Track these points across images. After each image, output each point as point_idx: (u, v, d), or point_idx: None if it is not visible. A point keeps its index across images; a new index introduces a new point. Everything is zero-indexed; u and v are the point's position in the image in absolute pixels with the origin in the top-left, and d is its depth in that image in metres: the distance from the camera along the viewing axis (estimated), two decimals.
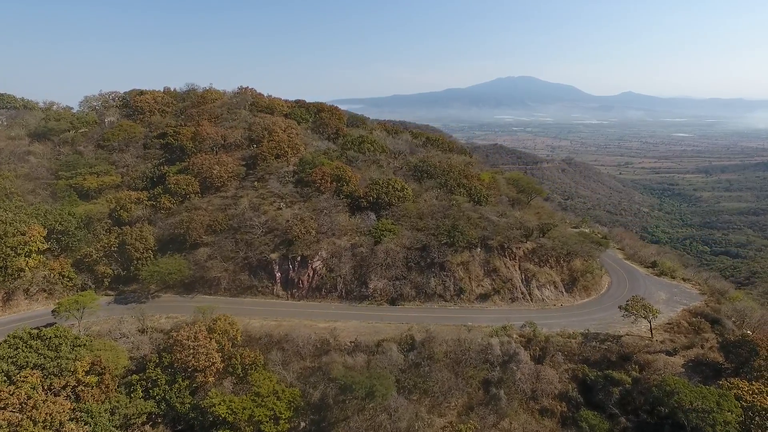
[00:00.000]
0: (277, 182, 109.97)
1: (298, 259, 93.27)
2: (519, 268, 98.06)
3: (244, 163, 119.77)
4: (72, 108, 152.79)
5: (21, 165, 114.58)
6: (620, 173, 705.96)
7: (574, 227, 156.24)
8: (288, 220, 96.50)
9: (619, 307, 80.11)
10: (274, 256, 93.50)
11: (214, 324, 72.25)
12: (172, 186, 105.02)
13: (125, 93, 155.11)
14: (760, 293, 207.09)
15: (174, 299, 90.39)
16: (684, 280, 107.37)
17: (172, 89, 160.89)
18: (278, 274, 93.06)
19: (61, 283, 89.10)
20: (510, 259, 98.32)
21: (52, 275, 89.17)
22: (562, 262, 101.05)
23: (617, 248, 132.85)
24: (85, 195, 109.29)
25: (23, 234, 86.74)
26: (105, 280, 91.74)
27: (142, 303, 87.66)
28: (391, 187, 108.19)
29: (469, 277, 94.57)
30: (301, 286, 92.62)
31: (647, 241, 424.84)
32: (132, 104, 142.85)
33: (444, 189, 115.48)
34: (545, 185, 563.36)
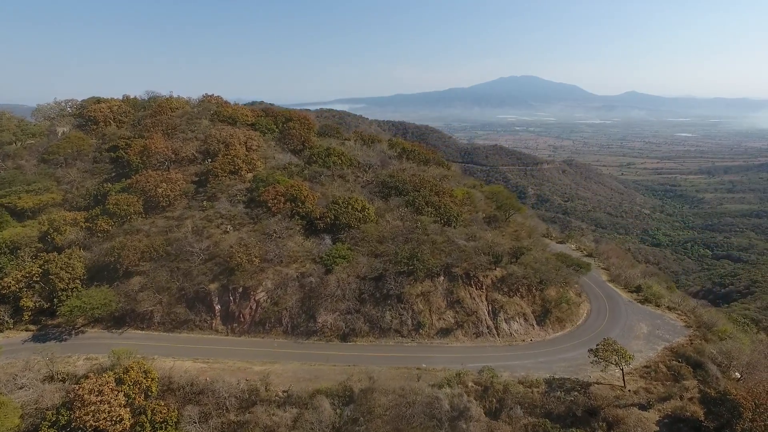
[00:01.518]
0: (228, 202, 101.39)
1: (240, 290, 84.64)
2: (486, 299, 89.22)
3: (197, 179, 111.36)
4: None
5: None
6: (622, 174, 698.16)
7: (560, 242, 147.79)
8: (231, 246, 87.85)
9: (589, 351, 71.08)
10: (212, 287, 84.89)
11: (125, 374, 63.73)
12: (111, 207, 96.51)
13: (83, 101, 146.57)
14: (759, 308, 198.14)
15: (101, 335, 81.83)
16: (669, 309, 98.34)
17: (132, 97, 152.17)
18: (217, 307, 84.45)
19: None
20: (476, 289, 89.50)
21: None
22: (534, 291, 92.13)
23: (602, 268, 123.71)
24: (21, 215, 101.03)
25: None
26: (25, 313, 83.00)
27: (64, 340, 79.37)
28: (350, 206, 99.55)
29: (430, 310, 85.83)
30: (242, 320, 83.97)
31: (648, 244, 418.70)
32: (85, 114, 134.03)
33: (411, 208, 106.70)
34: (545, 187, 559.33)
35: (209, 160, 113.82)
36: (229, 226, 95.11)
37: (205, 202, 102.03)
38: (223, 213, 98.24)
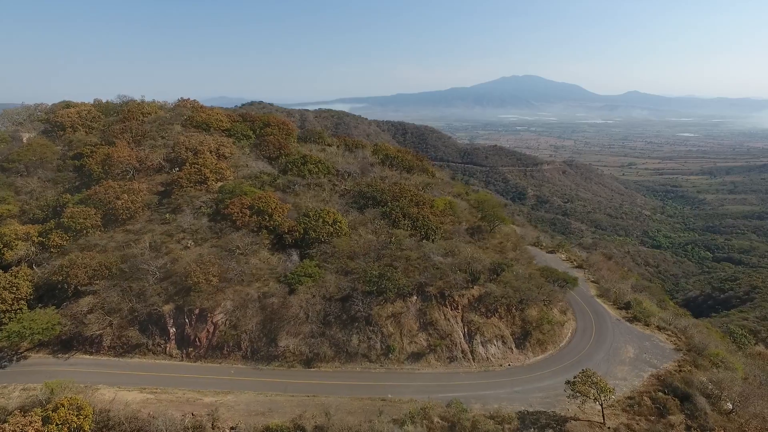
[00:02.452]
0: (191, 215, 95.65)
1: (197, 311, 78.76)
2: (461, 320, 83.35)
3: (164, 189, 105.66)
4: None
5: None
6: (623, 174, 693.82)
7: (550, 252, 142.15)
8: (189, 264, 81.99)
9: (566, 383, 65.32)
10: (167, 308, 79.06)
11: (54, 412, 58.05)
12: (66, 220, 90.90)
13: (52, 105, 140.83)
14: (757, 317, 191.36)
15: (45, 361, 76.06)
16: (659, 328, 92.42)
17: (104, 101, 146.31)
18: (172, 330, 78.65)
19: None
20: (452, 310, 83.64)
21: None
22: (514, 311, 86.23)
23: (591, 281, 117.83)
24: None
25: None
26: None
27: (3, 368, 73.64)
28: (321, 220, 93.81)
29: (401, 333, 79.98)
30: (198, 344, 78.15)
31: (648, 246, 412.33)
32: (52, 119, 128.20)
33: (388, 220, 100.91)
34: (545, 188, 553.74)
35: (177, 168, 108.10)
36: (190, 242, 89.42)
37: (168, 215, 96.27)
38: (185, 227, 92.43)
